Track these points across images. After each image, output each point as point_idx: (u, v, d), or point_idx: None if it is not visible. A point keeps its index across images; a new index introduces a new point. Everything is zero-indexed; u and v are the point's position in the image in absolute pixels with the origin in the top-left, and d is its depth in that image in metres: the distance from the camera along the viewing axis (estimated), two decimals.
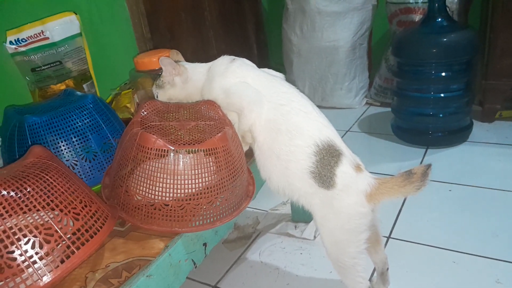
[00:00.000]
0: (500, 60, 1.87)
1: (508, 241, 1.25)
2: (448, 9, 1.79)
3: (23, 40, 1.30)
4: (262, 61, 2.70)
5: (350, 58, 2.30)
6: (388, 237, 1.33)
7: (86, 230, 0.69)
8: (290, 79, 2.47)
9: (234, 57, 1.02)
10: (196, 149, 0.82)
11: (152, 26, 1.87)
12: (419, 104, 1.84)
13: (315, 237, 1.38)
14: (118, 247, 0.80)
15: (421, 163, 1.73)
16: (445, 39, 1.71)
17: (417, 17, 2.10)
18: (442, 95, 1.78)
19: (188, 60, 1.10)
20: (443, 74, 1.74)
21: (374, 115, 2.29)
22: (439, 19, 1.74)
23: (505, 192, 1.48)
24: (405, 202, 1.49)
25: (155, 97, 1.05)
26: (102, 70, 1.55)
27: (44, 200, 0.66)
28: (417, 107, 1.85)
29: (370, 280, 1.13)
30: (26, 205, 0.64)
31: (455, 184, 1.57)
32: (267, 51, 2.86)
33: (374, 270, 1.14)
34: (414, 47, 1.78)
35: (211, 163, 0.83)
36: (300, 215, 1.45)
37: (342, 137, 0.93)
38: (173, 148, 0.80)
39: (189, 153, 0.82)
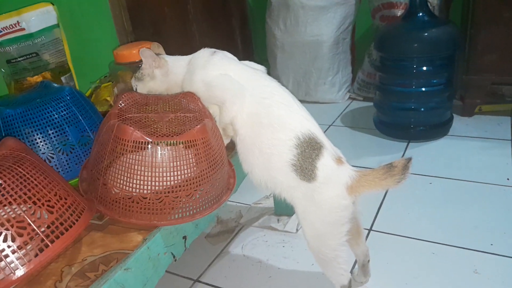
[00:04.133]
0: (481, 55, 1.90)
1: (486, 232, 1.28)
2: (429, 4, 1.81)
3: None
4: (246, 56, 2.67)
5: (333, 53, 2.31)
6: (370, 230, 1.34)
7: (61, 223, 0.68)
8: (274, 74, 2.46)
9: (215, 49, 1.01)
10: (175, 141, 0.81)
11: (134, 20, 1.84)
12: (401, 98, 1.86)
13: (297, 230, 1.38)
14: (96, 240, 0.79)
15: (402, 156, 1.75)
16: (426, 34, 1.73)
17: (400, 12, 2.12)
18: (423, 89, 1.80)
19: (171, 54, 1.08)
20: (425, 68, 1.76)
21: (357, 110, 2.30)
22: (420, 14, 1.76)
23: (484, 184, 1.51)
24: (387, 195, 1.50)
25: (134, 90, 1.03)
26: (81, 63, 1.52)
27: (16, 192, 0.64)
28: (399, 101, 1.87)
29: (351, 272, 1.14)
30: None
31: (436, 177, 1.59)
32: (252, 46, 2.85)
33: (356, 262, 1.15)
34: (396, 41, 1.79)
35: (190, 155, 0.82)
36: (283, 209, 1.45)
37: (325, 131, 0.94)
38: (150, 140, 0.79)
39: (168, 145, 0.81)
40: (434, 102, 1.83)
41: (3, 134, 0.91)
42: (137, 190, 0.79)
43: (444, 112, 1.88)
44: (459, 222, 1.34)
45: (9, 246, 0.61)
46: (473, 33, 1.89)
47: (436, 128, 1.87)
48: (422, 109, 1.84)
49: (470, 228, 1.31)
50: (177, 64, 1.02)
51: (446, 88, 1.81)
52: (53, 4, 1.36)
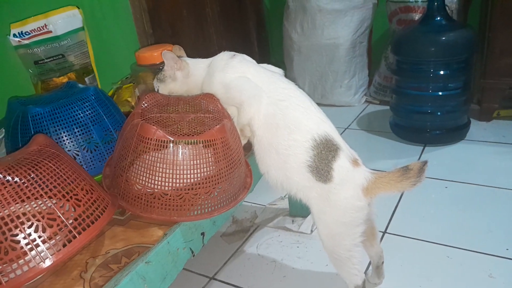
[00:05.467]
0: (498, 59, 1.89)
1: (501, 236, 1.27)
2: (447, 8, 1.81)
3: (27, 33, 1.32)
4: (262, 58, 2.69)
5: (350, 56, 2.32)
6: (384, 232, 1.35)
7: (87, 216, 0.71)
8: (290, 77, 2.48)
9: (234, 53, 1.03)
10: (195, 140, 0.84)
11: (153, 22, 1.89)
12: (417, 102, 1.86)
13: (312, 231, 1.39)
14: (118, 234, 0.82)
15: (418, 160, 1.75)
16: (443, 38, 1.73)
17: (417, 16, 2.12)
18: (440, 93, 1.79)
19: (188, 56, 1.12)
20: (442, 72, 1.76)
21: (373, 113, 2.30)
22: (438, 18, 1.76)
23: (500, 189, 1.50)
24: (402, 198, 1.51)
25: (156, 91, 1.07)
26: (104, 64, 1.57)
27: (47, 186, 0.68)
28: (416, 105, 1.87)
29: (365, 273, 1.15)
30: (30, 191, 0.66)
31: (451, 181, 1.59)
32: (268, 48, 2.88)
33: (370, 263, 1.16)
34: (413, 45, 1.80)
35: (209, 154, 0.85)
36: (298, 210, 1.47)
37: (341, 134, 0.95)
38: (172, 139, 0.82)
39: (188, 144, 0.83)
40: (450, 106, 1.83)
41: (32, 132, 0.96)
42: (159, 187, 0.82)
43: (460, 116, 1.87)
44: (474, 226, 1.34)
45: (40, 237, 0.64)
46: (491, 37, 1.88)
47: (452, 132, 1.86)
48: (439, 113, 1.83)
49: (485, 233, 1.30)
50: (198, 66, 1.05)
51: (463, 92, 1.81)
52: (78, 8, 1.41)
